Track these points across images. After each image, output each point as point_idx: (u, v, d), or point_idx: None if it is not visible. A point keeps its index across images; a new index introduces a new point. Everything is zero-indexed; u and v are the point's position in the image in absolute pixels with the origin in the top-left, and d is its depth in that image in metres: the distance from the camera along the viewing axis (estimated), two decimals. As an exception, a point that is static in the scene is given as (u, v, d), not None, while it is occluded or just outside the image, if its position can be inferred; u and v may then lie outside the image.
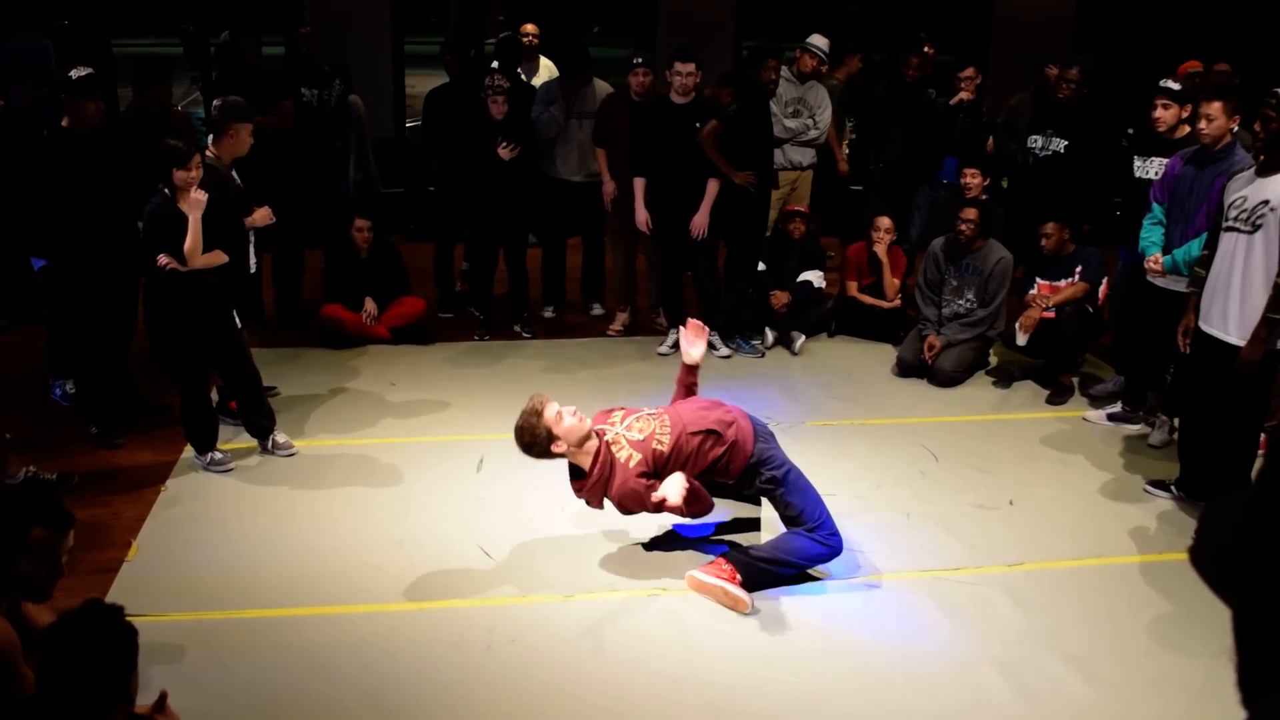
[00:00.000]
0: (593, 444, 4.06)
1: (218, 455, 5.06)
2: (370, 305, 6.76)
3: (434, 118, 7.26)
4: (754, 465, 4.12)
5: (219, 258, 4.90)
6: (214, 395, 5.46)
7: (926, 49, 8.26)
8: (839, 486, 5.03)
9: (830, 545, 4.14)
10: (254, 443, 5.27)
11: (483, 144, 6.62)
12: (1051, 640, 3.92)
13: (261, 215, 5.45)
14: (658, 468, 4.02)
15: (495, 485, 5.01)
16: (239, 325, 5.14)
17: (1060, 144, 6.58)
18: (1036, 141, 6.73)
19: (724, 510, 4.50)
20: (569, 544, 4.50)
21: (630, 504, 4.04)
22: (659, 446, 4.01)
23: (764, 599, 4.10)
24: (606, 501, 4.11)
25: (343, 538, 4.50)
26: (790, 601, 4.11)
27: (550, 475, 5.06)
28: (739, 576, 4.07)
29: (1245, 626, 1.22)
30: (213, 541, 4.44)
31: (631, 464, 3.99)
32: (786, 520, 4.21)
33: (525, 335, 7.07)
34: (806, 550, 4.13)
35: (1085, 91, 6.61)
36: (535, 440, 4.05)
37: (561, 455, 4.07)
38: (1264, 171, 4.51)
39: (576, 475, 4.16)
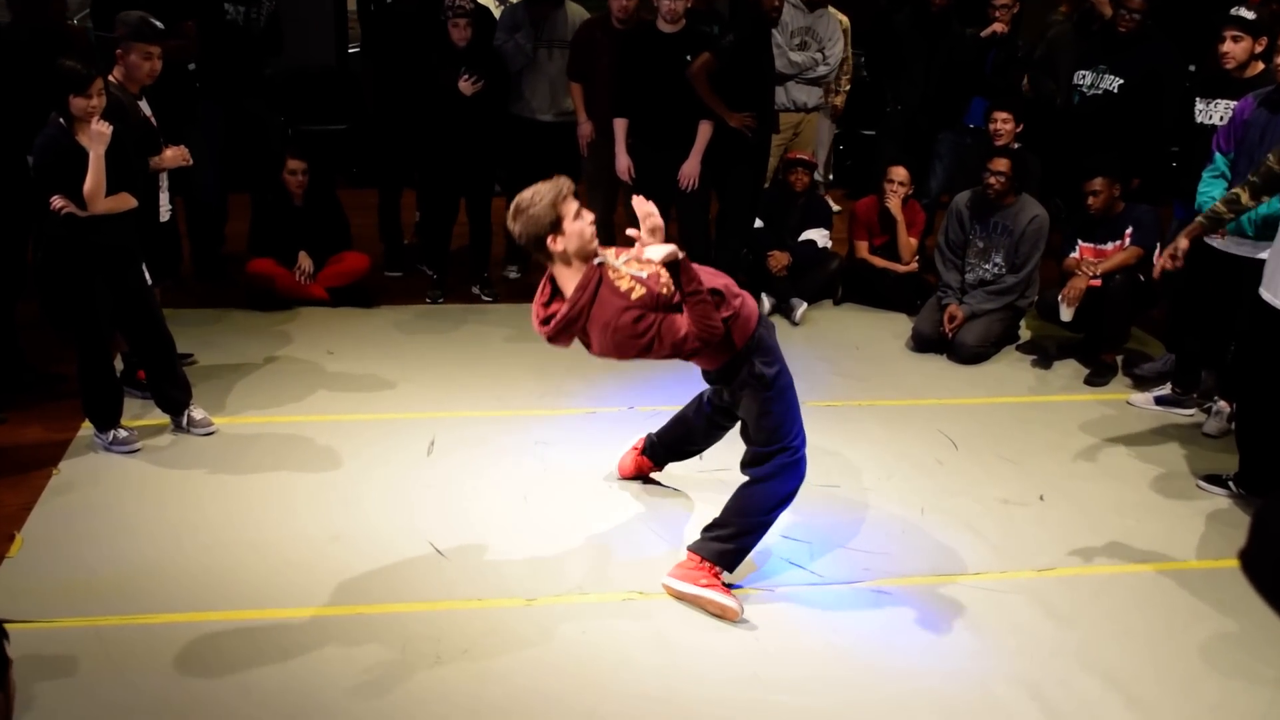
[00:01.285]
0: (586, 267, 3.81)
1: (121, 433, 4.97)
2: (305, 261, 6.66)
3: (377, 42, 7.14)
4: (750, 350, 3.98)
5: (126, 201, 4.78)
6: (118, 363, 5.36)
7: None
8: (844, 477, 5.00)
9: (795, 475, 4.07)
10: (165, 419, 5.19)
11: (442, 75, 6.51)
12: (1087, 658, 3.88)
13: (174, 155, 5.33)
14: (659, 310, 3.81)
15: (448, 471, 4.94)
16: (149, 281, 5.02)
17: (1114, 82, 6.50)
18: (1085, 78, 6.64)
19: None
20: (532, 540, 4.44)
21: (622, 336, 3.74)
22: (663, 290, 3.79)
23: (755, 604, 4.05)
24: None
25: (267, 531, 4.42)
26: (786, 609, 4.07)
27: (510, 459, 5.02)
28: (720, 570, 4.04)
29: None
30: (112, 534, 4.35)
31: (633, 295, 3.74)
32: (752, 437, 4.09)
33: (486, 298, 7.00)
34: (772, 496, 4.06)
35: (1149, 24, 6.50)
36: (536, 220, 3.73)
37: (547, 258, 3.84)
38: None
39: (550, 300, 3.92)
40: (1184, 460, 5.37)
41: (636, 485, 4.89)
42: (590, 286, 3.73)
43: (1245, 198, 4.79)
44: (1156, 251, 6.22)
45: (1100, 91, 6.54)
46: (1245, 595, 4.12)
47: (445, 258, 7.03)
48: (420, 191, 7.40)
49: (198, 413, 5.18)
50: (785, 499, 4.10)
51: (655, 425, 5.13)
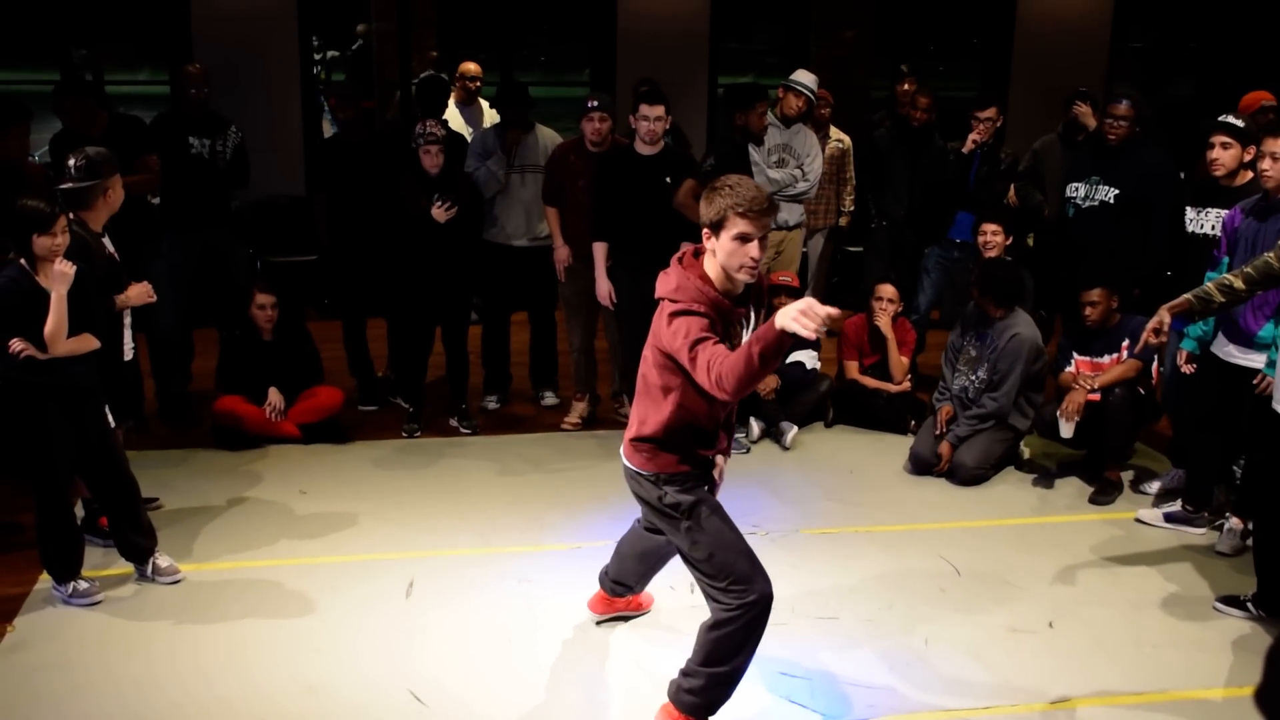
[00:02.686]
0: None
1: (82, 584, 4.93)
2: (275, 397, 6.69)
3: (326, 174, 7.32)
4: (666, 479, 3.97)
5: (88, 343, 4.83)
6: (79, 510, 5.36)
7: (907, 85, 8.45)
8: (842, 608, 4.99)
9: (760, 616, 3.85)
10: (129, 568, 5.16)
11: (414, 203, 6.63)
12: (1108, 795, 3.86)
13: (138, 292, 5.35)
14: None
15: (428, 614, 4.91)
16: (112, 424, 5.05)
17: (1109, 192, 6.61)
18: (1078, 190, 6.76)
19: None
20: (517, 684, 4.40)
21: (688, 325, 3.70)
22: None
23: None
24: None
25: (238, 684, 4.37)
26: (789, 753, 4.04)
27: (492, 600, 5.00)
28: None
29: None
30: (72, 694, 4.27)
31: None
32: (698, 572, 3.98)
33: (464, 430, 7.03)
34: (736, 643, 3.87)
35: (1138, 130, 6.64)
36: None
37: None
38: None
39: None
40: (1198, 581, 5.38)
41: (628, 622, 4.87)
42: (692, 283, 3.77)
43: (1238, 283, 4.88)
44: (1154, 363, 6.33)
45: (1096, 203, 6.65)
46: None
47: (421, 390, 7.07)
48: (392, 322, 7.48)
49: (163, 560, 5.15)
50: (750, 644, 3.92)
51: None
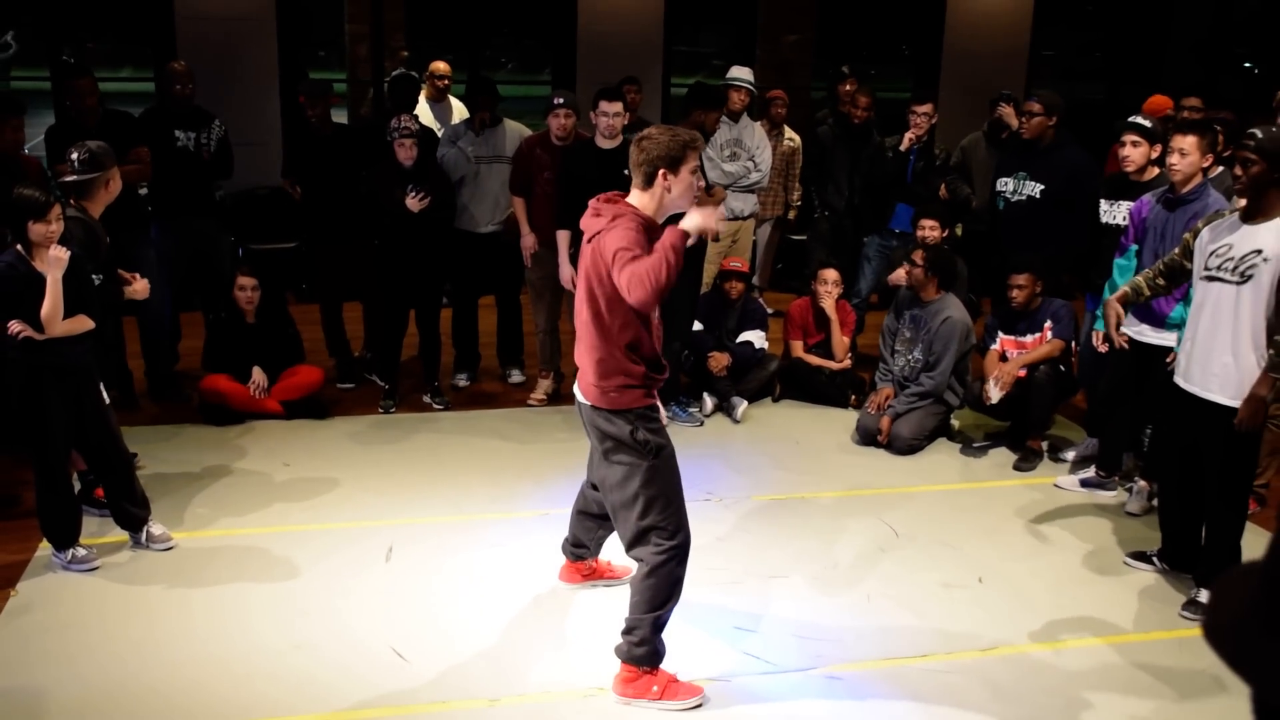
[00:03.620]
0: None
1: (80, 551, 4.90)
2: (259, 375, 6.65)
3: (301, 165, 7.30)
4: (639, 415, 3.96)
5: (83, 324, 4.79)
6: (75, 481, 5.32)
7: (848, 85, 8.51)
8: (790, 568, 5.04)
9: (683, 558, 3.98)
10: (124, 536, 5.12)
11: (389, 193, 6.60)
12: (1034, 734, 3.95)
13: (142, 287, 5.40)
14: None
15: (407, 577, 4.92)
16: (107, 400, 5.01)
17: (1035, 188, 6.67)
18: (1007, 185, 6.80)
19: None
20: (493, 641, 4.43)
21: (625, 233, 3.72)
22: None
23: (713, 696, 4.06)
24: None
25: (230, 643, 4.37)
26: (744, 699, 4.09)
27: (467, 563, 5.02)
28: (656, 672, 4.02)
29: (1266, 703, 1.24)
30: (72, 655, 4.27)
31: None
32: (627, 512, 3.98)
33: (437, 406, 7.02)
34: (666, 585, 3.96)
35: (1055, 128, 6.68)
36: (667, 147, 3.78)
37: (645, 184, 3.82)
38: (1250, 218, 4.58)
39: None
40: (1110, 538, 5.49)
41: (595, 582, 4.90)
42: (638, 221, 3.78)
43: (1160, 280, 4.99)
44: (1073, 343, 6.43)
45: (1024, 198, 6.71)
46: (1176, 666, 4.26)
47: (396, 368, 7.06)
48: (368, 305, 7.45)
49: (156, 528, 5.12)
50: (679, 584, 4.01)
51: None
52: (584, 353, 3.98)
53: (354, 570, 4.97)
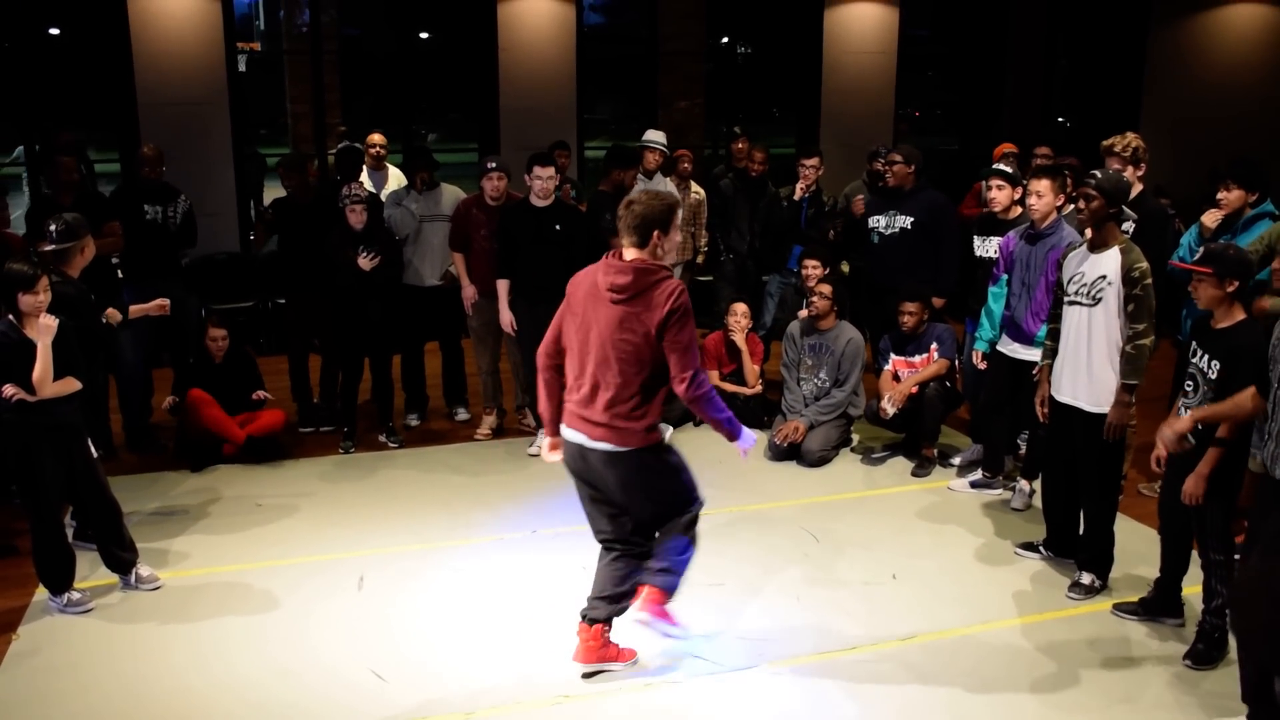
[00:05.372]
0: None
1: (75, 595, 4.66)
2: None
3: (282, 232, 7.14)
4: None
5: (71, 385, 4.56)
6: (70, 522, 5.09)
7: (740, 144, 8.58)
8: (726, 576, 4.99)
9: (698, 506, 4.14)
10: (114, 578, 4.88)
11: (342, 254, 6.45)
12: (955, 711, 3.93)
13: (157, 305, 5.45)
14: None
15: (380, 603, 4.76)
16: (94, 454, 4.78)
17: (906, 220, 6.72)
18: (880, 221, 6.85)
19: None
20: (463, 658, 4.30)
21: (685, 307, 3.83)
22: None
23: (665, 696, 3.99)
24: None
25: (221, 672, 4.18)
26: (694, 699, 4.02)
27: (433, 587, 4.88)
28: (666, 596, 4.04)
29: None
30: (78, 691, 4.05)
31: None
32: (665, 504, 4.10)
33: (392, 445, 6.84)
34: (689, 534, 4.10)
35: (914, 172, 6.75)
36: (656, 211, 3.85)
37: (639, 244, 3.85)
38: (1095, 248, 4.76)
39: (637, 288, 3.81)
40: (1000, 532, 5.53)
41: (550, 596, 4.78)
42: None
43: (1050, 342, 5.03)
44: (956, 361, 6.51)
45: (896, 230, 6.77)
46: (1064, 642, 4.35)
47: (355, 412, 6.86)
48: (325, 355, 7.24)
49: (144, 570, 4.89)
50: (695, 538, 4.15)
51: (558, 547, 5.11)
52: (611, 390, 3.85)
53: (330, 599, 4.79)
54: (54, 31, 11.66)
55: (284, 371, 7.21)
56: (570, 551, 5.21)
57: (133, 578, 4.85)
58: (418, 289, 7.07)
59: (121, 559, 4.83)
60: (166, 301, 5.50)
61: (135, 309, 5.25)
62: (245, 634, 4.48)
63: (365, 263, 6.41)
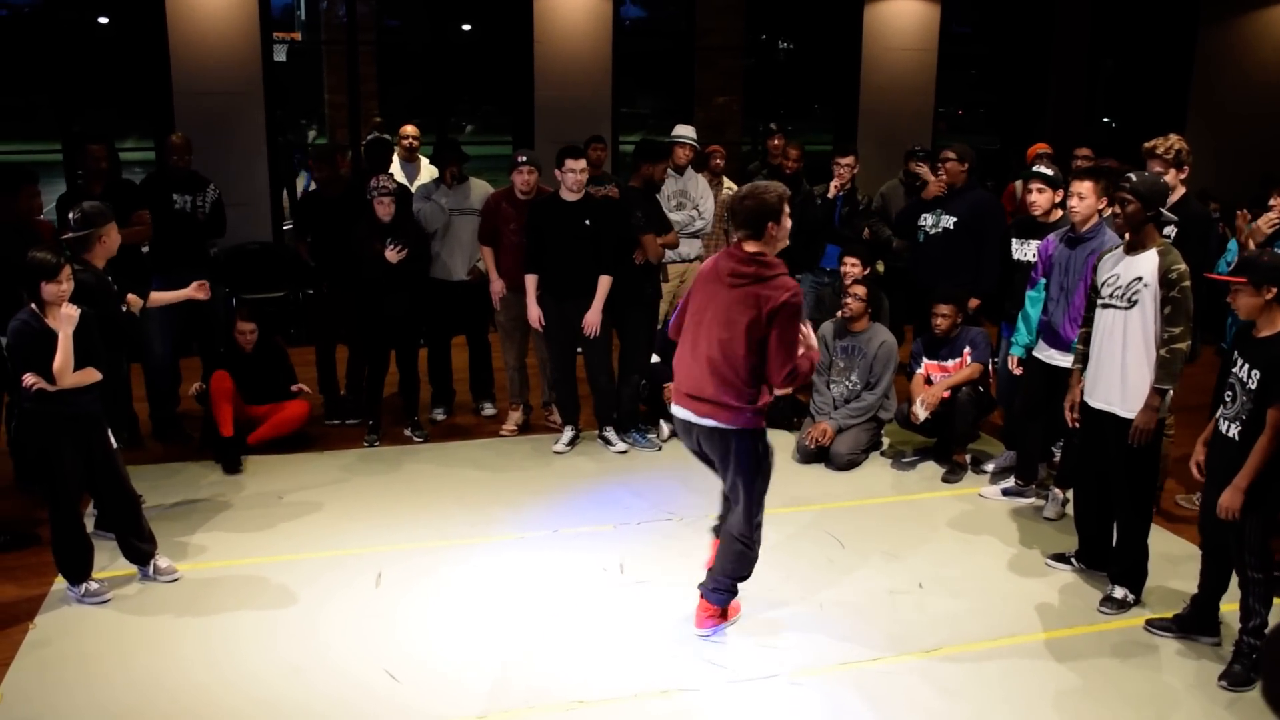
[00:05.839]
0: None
1: (93, 585, 4.64)
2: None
3: (307, 224, 7.10)
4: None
5: (91, 375, 4.54)
6: (91, 511, 5.08)
7: (777, 140, 8.45)
8: (750, 580, 4.87)
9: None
10: (132, 569, 4.87)
11: (368, 246, 6.41)
12: (979, 728, 3.82)
13: (197, 288, 5.46)
14: None
15: (397, 600, 4.71)
16: (115, 445, 4.76)
17: (950, 220, 6.63)
18: (926, 220, 6.77)
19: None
20: (478, 659, 4.23)
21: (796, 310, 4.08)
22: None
23: (686, 705, 3.90)
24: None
25: (233, 668, 4.14)
26: (714, 709, 3.93)
27: (451, 586, 4.82)
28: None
29: None
30: (89, 683, 4.02)
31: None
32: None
33: (417, 439, 6.80)
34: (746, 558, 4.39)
35: (966, 171, 6.66)
36: (769, 203, 4.09)
37: (754, 237, 4.11)
38: (1132, 250, 4.64)
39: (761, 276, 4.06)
40: (1031, 542, 5.40)
41: (569, 597, 4.71)
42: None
43: (1080, 345, 4.95)
44: (990, 366, 6.37)
45: (941, 230, 6.66)
46: (1094, 657, 4.18)
47: (380, 405, 6.83)
48: (352, 348, 7.21)
49: (163, 561, 4.88)
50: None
51: (579, 547, 5.05)
52: (723, 383, 4.09)
53: (346, 595, 4.75)
54: (103, 20, 11.75)
55: (310, 363, 7.19)
56: (591, 552, 5.15)
57: (151, 569, 4.84)
58: (446, 283, 7.02)
59: (140, 550, 4.82)
60: (205, 283, 5.52)
61: (156, 296, 5.22)
62: (258, 629, 4.44)
63: (392, 255, 6.37)
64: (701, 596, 4.42)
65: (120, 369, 5.17)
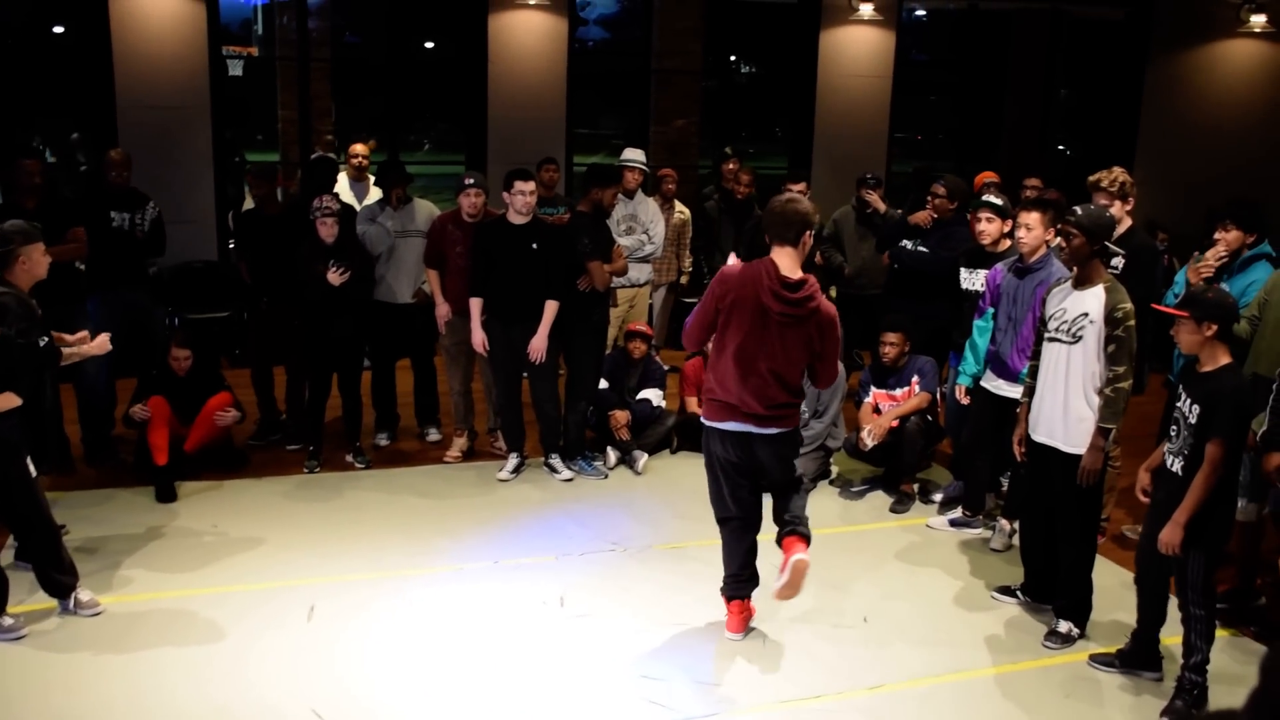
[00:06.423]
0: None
1: (7, 621, 4.45)
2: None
3: (247, 243, 6.95)
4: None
5: (9, 401, 4.37)
6: (10, 543, 4.89)
7: (731, 164, 8.42)
8: (691, 613, 4.80)
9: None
10: (52, 602, 4.67)
11: (311, 268, 6.27)
12: (919, 770, 3.74)
13: (99, 343, 4.92)
14: None
15: (328, 636, 4.55)
16: (34, 474, 4.57)
17: (923, 249, 6.63)
18: (906, 245, 6.78)
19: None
20: (411, 699, 4.10)
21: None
22: None
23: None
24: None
25: (157, 707, 3.98)
26: (649, 747, 3.82)
27: (386, 620, 4.68)
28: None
29: None
30: (-3, 725, 3.85)
31: None
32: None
33: (359, 465, 6.64)
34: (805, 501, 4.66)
35: (955, 208, 6.63)
36: (805, 213, 4.37)
37: (789, 242, 4.33)
38: (1079, 285, 4.61)
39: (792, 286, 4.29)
40: (979, 574, 5.35)
41: (506, 633, 4.59)
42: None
43: (1030, 380, 4.89)
44: (938, 395, 6.33)
45: (915, 255, 6.69)
46: (1038, 694, 4.10)
47: (320, 430, 6.67)
48: (292, 370, 7.04)
49: (84, 594, 4.69)
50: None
51: (519, 579, 4.92)
52: (786, 392, 4.34)
53: (275, 630, 4.59)
54: (58, 30, 11.52)
55: (250, 385, 7.02)
56: (532, 584, 5.04)
57: (71, 603, 4.65)
58: (391, 305, 6.89)
59: (59, 582, 4.63)
60: (103, 340, 4.94)
61: (67, 352, 4.80)
62: (185, 666, 4.27)
63: (335, 277, 6.24)
64: (790, 533, 4.50)
65: (43, 394, 4.96)
